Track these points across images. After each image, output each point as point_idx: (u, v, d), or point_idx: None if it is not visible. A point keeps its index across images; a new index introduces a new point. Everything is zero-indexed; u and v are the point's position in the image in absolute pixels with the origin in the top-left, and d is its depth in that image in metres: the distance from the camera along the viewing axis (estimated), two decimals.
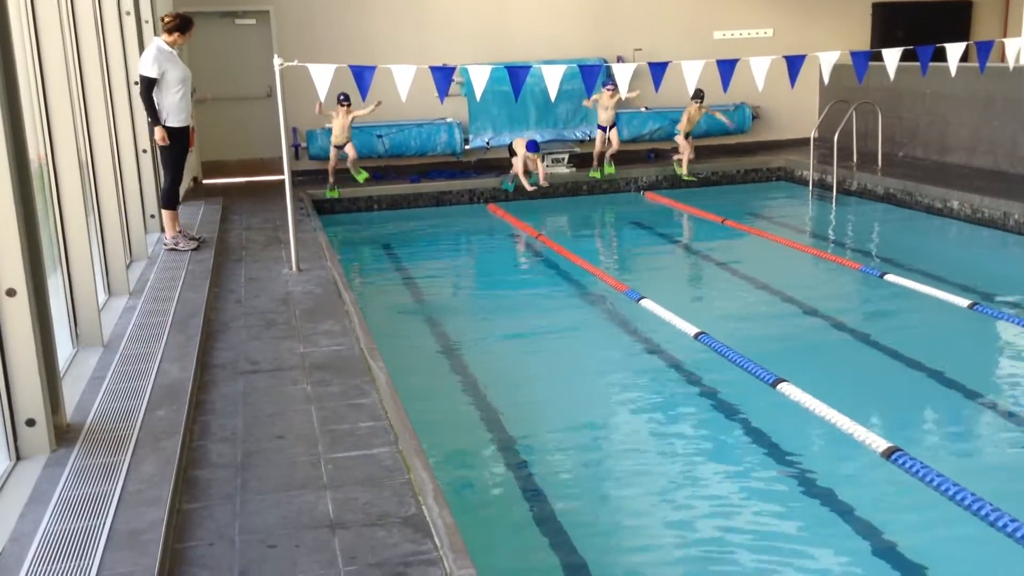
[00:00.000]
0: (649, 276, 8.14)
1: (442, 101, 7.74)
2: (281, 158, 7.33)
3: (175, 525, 3.44)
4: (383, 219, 11.18)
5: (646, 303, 6.97)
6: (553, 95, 7.77)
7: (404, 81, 7.24)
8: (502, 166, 13.07)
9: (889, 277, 7.58)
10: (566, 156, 12.69)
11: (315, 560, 3.17)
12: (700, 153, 13.75)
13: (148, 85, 7.17)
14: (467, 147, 12.90)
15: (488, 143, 12.94)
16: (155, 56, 7.18)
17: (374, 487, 3.67)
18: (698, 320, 6.43)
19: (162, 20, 7.44)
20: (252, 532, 3.37)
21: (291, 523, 3.42)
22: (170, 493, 3.55)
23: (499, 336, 6.88)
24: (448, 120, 12.74)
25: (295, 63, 7.13)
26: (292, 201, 7.43)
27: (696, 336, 6.13)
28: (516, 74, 7.72)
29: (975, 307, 6.72)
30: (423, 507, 3.51)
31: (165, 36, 7.32)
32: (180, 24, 7.35)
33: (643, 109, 13.42)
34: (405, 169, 12.76)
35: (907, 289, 7.32)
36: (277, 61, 7.10)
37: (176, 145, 7.46)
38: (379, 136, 12.46)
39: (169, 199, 7.66)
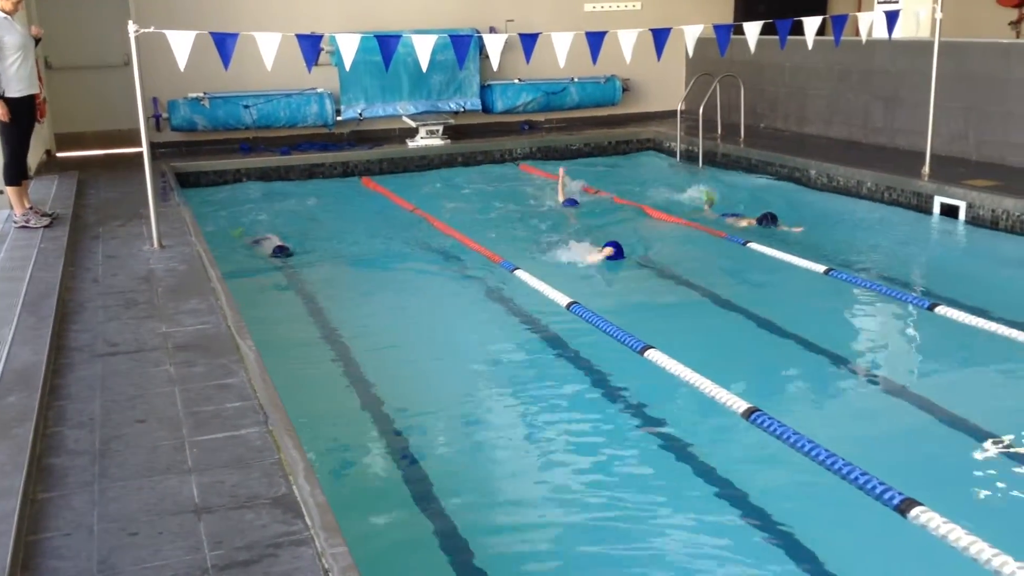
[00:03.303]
0: (523, 247, 8.20)
1: (309, 70, 7.54)
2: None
3: (28, 516, 3.28)
4: (252, 192, 10.86)
5: (520, 274, 7.02)
6: (425, 65, 7.69)
7: (269, 49, 7.01)
8: (376, 138, 12.92)
9: (752, 245, 7.87)
10: (441, 128, 12.62)
11: (179, 546, 3.08)
12: (571, 124, 13.93)
13: None
14: (339, 118, 12.66)
15: (361, 114, 12.73)
16: None
17: (242, 469, 3.59)
18: (570, 290, 6.53)
19: None
20: (112, 520, 3.25)
21: (154, 509, 3.31)
22: (22, 483, 3.38)
23: (373, 311, 6.81)
24: (319, 90, 12.45)
25: (151, 30, 6.81)
26: (152, 174, 7.12)
27: (568, 306, 6.23)
28: (386, 43, 7.59)
29: (830, 272, 7.05)
30: (294, 487, 3.46)
31: (1, 1, 6.88)
32: None
33: (516, 81, 13.46)
34: (275, 141, 12.43)
35: (768, 256, 7.62)
36: (132, 27, 6.77)
37: (19, 117, 7.04)
38: (246, 106, 12.08)
39: (11, 175, 7.22)
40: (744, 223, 8.82)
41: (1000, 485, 4.18)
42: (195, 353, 4.81)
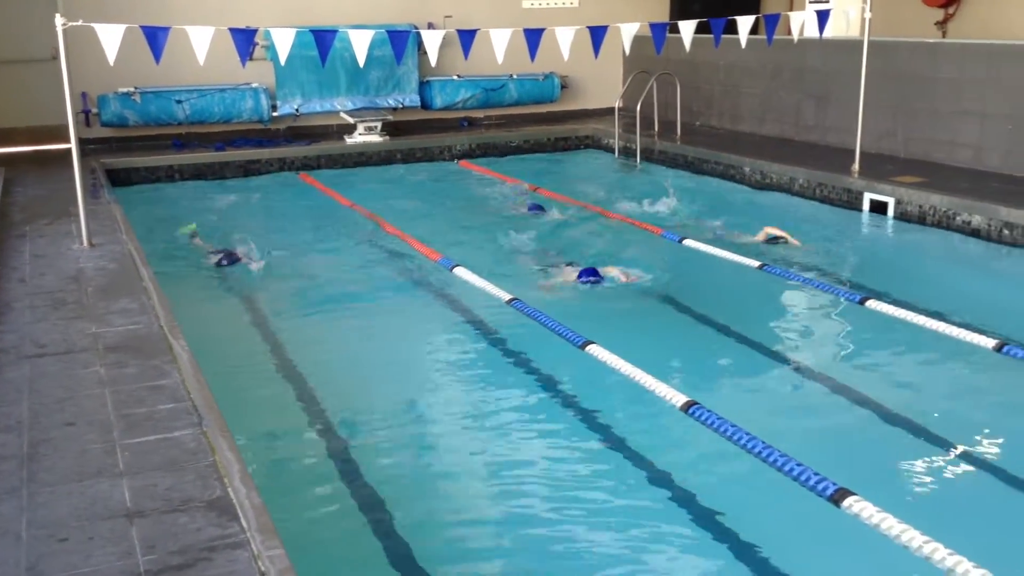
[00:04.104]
0: (462, 244, 8.18)
1: (244, 65, 7.43)
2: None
3: None
4: (186, 189, 10.65)
5: (459, 271, 7.00)
6: (362, 61, 7.61)
7: (202, 43, 6.88)
8: (313, 134, 12.77)
9: (688, 242, 7.96)
10: (379, 124, 12.53)
11: (111, 552, 3.00)
12: (510, 121, 13.94)
13: None
14: (275, 114, 12.48)
15: (297, 110, 12.57)
16: None
17: (175, 471, 3.51)
18: (510, 286, 6.53)
19: None
20: (40, 526, 3.15)
21: (84, 514, 3.22)
22: None
23: (311, 309, 6.73)
24: (254, 85, 12.26)
25: (79, 23, 6.63)
26: (81, 171, 6.94)
27: (509, 302, 6.23)
28: (322, 39, 7.51)
29: (764, 267, 7.17)
30: (229, 489, 3.40)
31: None
32: None
33: (455, 77, 13.42)
34: (209, 137, 12.21)
35: (702, 252, 7.72)
36: (60, 20, 6.58)
37: None
38: (178, 101, 11.84)
39: None
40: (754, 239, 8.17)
41: (929, 475, 4.29)
42: (126, 354, 4.70)
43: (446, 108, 13.49)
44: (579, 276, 6.91)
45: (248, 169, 11.51)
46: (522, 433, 4.72)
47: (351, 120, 12.52)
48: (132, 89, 11.65)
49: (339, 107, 12.69)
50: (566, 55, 8.34)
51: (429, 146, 12.63)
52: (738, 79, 12.73)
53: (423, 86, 13.26)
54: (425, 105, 13.35)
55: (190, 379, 4.35)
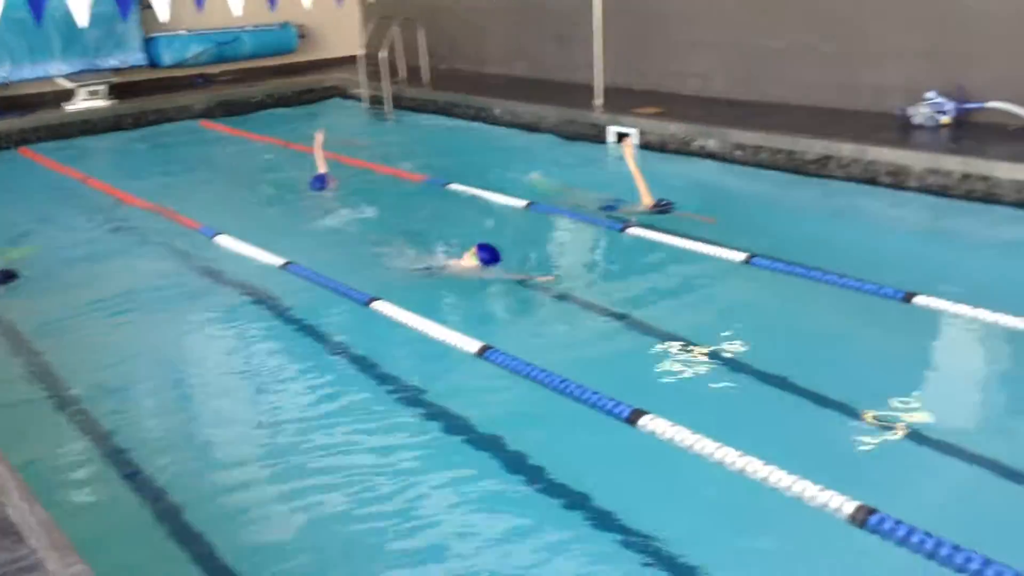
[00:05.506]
0: (222, 210, 7.74)
1: None
2: None
3: None
4: None
5: (223, 239, 6.64)
6: (84, 19, 6.93)
7: None
8: (28, 103, 11.55)
9: (452, 186, 8.01)
10: (103, 87, 11.54)
11: None
12: (249, 76, 13.32)
13: None
14: None
15: (6, 77, 11.29)
16: None
17: None
18: (284, 250, 6.28)
19: None
20: None
21: None
22: None
23: (67, 300, 6.04)
24: None
25: None
26: None
27: (284, 266, 5.99)
28: None
29: (531, 206, 7.36)
30: (8, 508, 3.06)
31: None
32: None
33: (183, 32, 12.59)
34: None
35: (469, 195, 7.80)
36: None
37: None
38: None
39: None
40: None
41: (710, 384, 4.60)
42: None
43: (177, 65, 12.66)
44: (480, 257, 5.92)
45: None
46: (312, 398, 4.50)
47: (70, 85, 11.43)
48: None
49: (54, 72, 11.53)
50: (307, 2, 8.03)
51: (163, 107, 11.82)
52: (480, 21, 12.84)
53: (148, 43, 12.33)
54: (153, 63, 12.44)
55: None
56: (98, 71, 11.84)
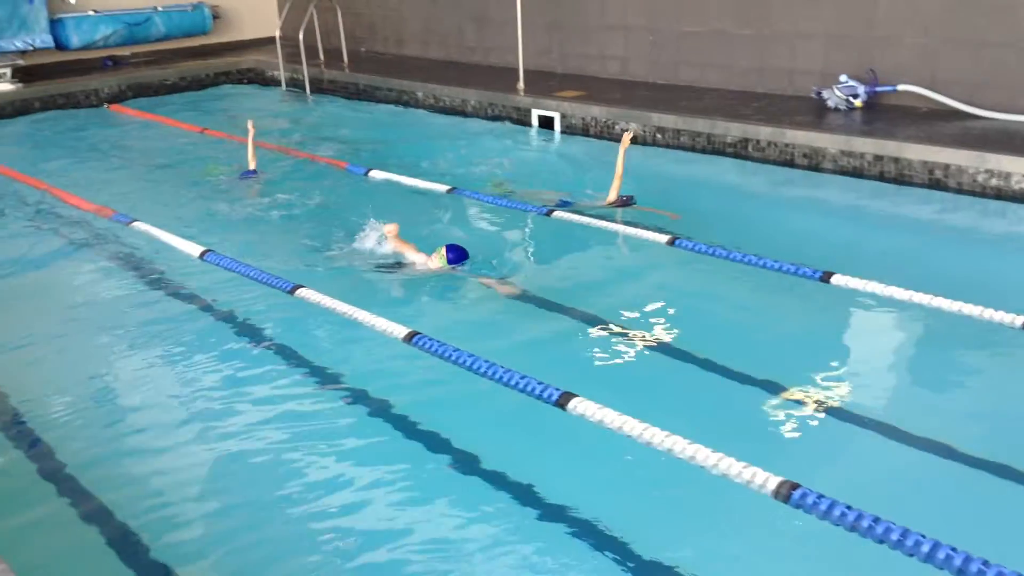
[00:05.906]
0: (138, 197, 7.50)
1: None
2: None
3: None
4: None
5: (139, 226, 6.44)
6: None
7: None
8: None
9: (373, 174, 7.91)
10: (7, 70, 11.07)
11: None
12: (162, 57, 12.93)
13: None
14: None
15: None
16: None
17: None
18: (202, 238, 6.12)
19: None
20: None
21: None
22: None
23: None
24: None
25: None
26: None
27: (202, 255, 5.84)
28: None
29: (454, 191, 7.32)
30: None
31: None
32: None
33: (91, 12, 12.15)
34: None
35: (391, 182, 7.72)
36: None
37: None
38: None
39: None
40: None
41: (636, 365, 4.66)
42: None
43: (85, 48, 12.22)
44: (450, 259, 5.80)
45: None
46: (238, 389, 4.43)
47: None
48: None
49: None
50: None
51: (72, 91, 11.39)
52: (398, 3, 12.69)
53: (55, 24, 11.86)
54: (60, 45, 11.98)
55: None
56: (2, 54, 11.34)
